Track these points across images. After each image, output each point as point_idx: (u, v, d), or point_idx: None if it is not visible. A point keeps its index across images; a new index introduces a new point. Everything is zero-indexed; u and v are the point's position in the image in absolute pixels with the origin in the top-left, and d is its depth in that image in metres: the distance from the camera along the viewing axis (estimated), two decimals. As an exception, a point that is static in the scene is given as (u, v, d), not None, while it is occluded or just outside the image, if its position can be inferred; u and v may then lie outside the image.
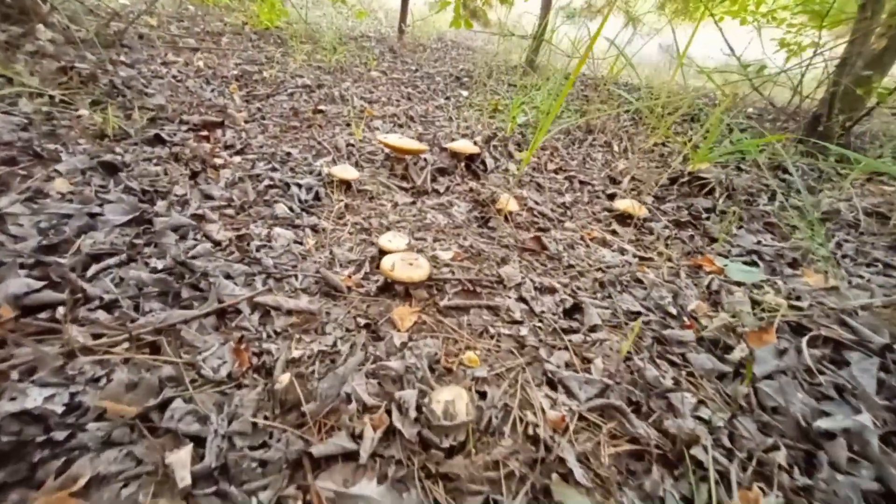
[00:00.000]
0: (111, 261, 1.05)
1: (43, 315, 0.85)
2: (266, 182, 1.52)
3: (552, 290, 1.16)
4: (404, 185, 1.71)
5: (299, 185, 1.51)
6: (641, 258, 1.44)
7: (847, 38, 2.91)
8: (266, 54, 3.56)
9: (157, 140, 1.73)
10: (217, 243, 1.19)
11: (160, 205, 1.31)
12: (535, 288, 1.16)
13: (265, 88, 2.64)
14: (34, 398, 0.67)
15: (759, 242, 1.71)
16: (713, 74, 4.01)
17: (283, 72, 3.01)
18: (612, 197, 1.93)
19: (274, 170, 1.65)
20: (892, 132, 3.95)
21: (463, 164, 1.92)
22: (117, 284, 0.98)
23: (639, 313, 1.11)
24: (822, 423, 0.83)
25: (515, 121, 2.59)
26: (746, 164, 2.58)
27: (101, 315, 0.88)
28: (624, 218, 1.73)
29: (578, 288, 1.20)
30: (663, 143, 2.77)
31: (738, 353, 1.04)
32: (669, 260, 1.48)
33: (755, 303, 1.26)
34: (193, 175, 1.51)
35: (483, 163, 1.94)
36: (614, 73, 3.24)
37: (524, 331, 0.99)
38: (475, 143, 2.00)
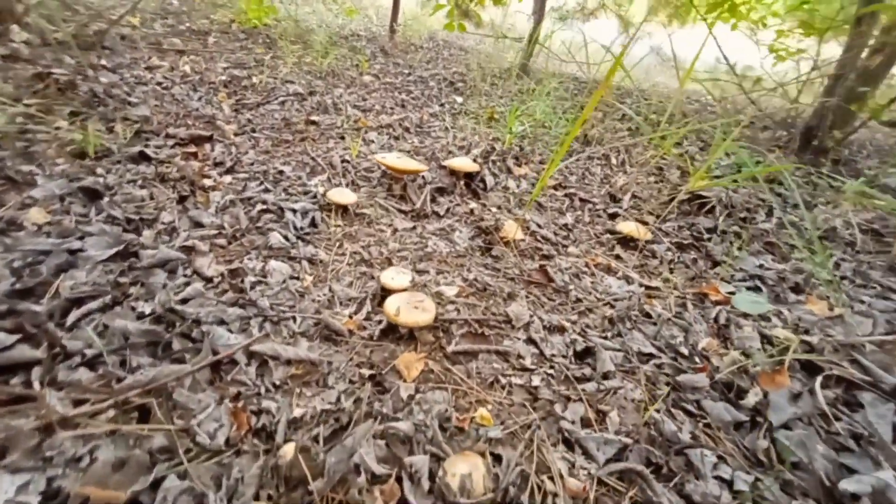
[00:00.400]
0: (93, 305, 0.98)
1: (16, 379, 0.78)
2: (259, 206, 1.45)
3: (561, 329, 1.12)
4: (403, 206, 1.65)
5: (294, 211, 1.44)
6: (648, 287, 1.40)
7: (841, 52, 2.92)
8: (255, 57, 3.45)
9: (142, 157, 1.64)
10: (208, 280, 1.13)
11: (146, 235, 1.23)
12: (544, 327, 1.12)
13: (255, 96, 2.54)
14: (6, 490, 0.61)
15: (761, 266, 1.69)
16: (709, 79, 4.01)
17: (273, 77, 2.92)
18: (613, 216, 1.90)
19: (266, 191, 1.58)
20: (878, 141, 4.00)
21: (462, 182, 1.86)
22: (101, 334, 0.91)
23: (651, 355, 1.08)
24: (849, 486, 0.81)
25: (513, 133, 2.54)
26: (744, 179, 2.57)
27: (83, 374, 0.81)
28: (627, 241, 1.69)
29: (587, 326, 1.16)
30: (661, 155, 2.75)
31: (752, 398, 1.02)
32: (675, 288, 1.46)
33: (765, 338, 1.24)
34: (181, 199, 1.43)
35: (483, 181, 1.89)
36: (611, 85, 3.20)
37: (536, 380, 0.95)
38: (474, 160, 1.95)
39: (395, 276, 1.13)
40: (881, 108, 2.51)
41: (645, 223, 1.88)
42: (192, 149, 1.79)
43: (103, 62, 2.55)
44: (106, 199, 1.35)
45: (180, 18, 4.53)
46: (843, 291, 1.64)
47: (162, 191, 1.45)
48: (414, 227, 1.51)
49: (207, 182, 1.55)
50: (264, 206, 1.46)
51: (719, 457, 0.85)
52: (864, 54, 2.61)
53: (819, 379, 1.09)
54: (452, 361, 0.99)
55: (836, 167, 3.01)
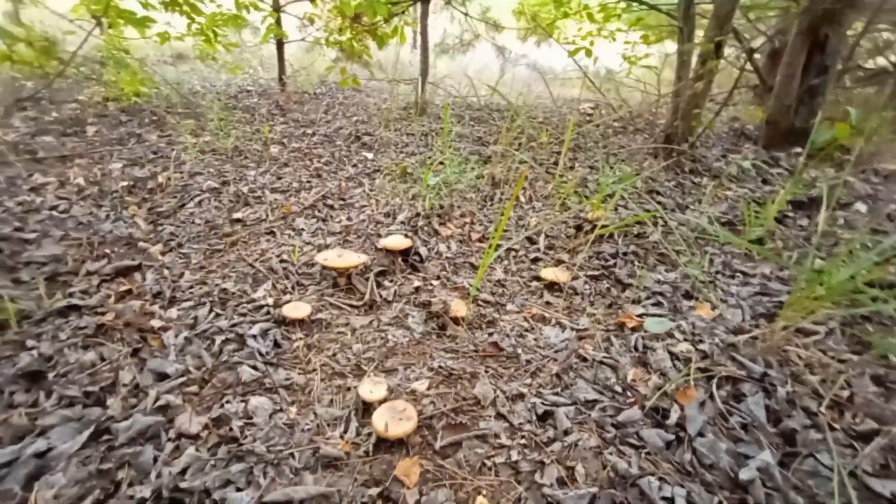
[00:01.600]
0: (87, 505, 0.99)
1: None
2: (218, 339, 1.49)
3: (521, 396, 1.33)
4: (353, 301, 1.77)
5: (254, 336, 1.50)
6: (578, 331, 1.67)
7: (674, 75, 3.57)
8: (149, 145, 3.30)
9: (71, 310, 1.58)
10: (195, 437, 1.17)
11: (113, 405, 1.23)
12: (507, 398, 1.32)
13: (167, 199, 2.47)
14: None
15: (658, 281, 2.06)
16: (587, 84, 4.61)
17: (178, 171, 2.84)
18: (535, 261, 2.18)
19: (218, 316, 1.61)
20: (717, 128, 4.76)
21: (400, 258, 2.03)
22: (109, 535, 0.93)
23: (595, 401, 1.33)
24: (744, 474, 1.10)
25: (429, 187, 2.74)
26: (629, 193, 3.03)
27: (112, 586, 0.85)
28: (552, 285, 1.97)
29: (541, 386, 1.38)
30: (560, 184, 3.14)
31: (674, 416, 1.30)
32: (599, 322, 1.75)
33: (673, 355, 1.56)
34: (135, 351, 1.42)
35: (418, 253, 2.07)
36: (507, 138, 3.54)
37: (514, 455, 1.15)
38: (406, 235, 2.12)
39: (372, 389, 1.26)
40: (712, 122, 3.15)
41: (562, 261, 2.19)
42: (123, 284, 1.75)
43: (-25, 192, 2.33)
44: (51, 376, 1.31)
45: (42, 107, 4.16)
46: (719, 287, 2.06)
47: (110, 347, 1.42)
48: (370, 323, 1.64)
49: (155, 322, 1.54)
50: (223, 337, 1.49)
51: (660, 479, 1.11)
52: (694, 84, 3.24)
53: (714, 382, 1.42)
54: (443, 456, 1.15)
55: (695, 165, 3.64)
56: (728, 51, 4.37)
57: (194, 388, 1.32)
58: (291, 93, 5.69)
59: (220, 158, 3.21)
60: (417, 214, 2.43)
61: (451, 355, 1.49)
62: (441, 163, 3.27)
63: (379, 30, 5.15)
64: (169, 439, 1.15)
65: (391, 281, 1.91)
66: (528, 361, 1.48)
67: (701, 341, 1.62)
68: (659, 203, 2.97)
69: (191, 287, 1.77)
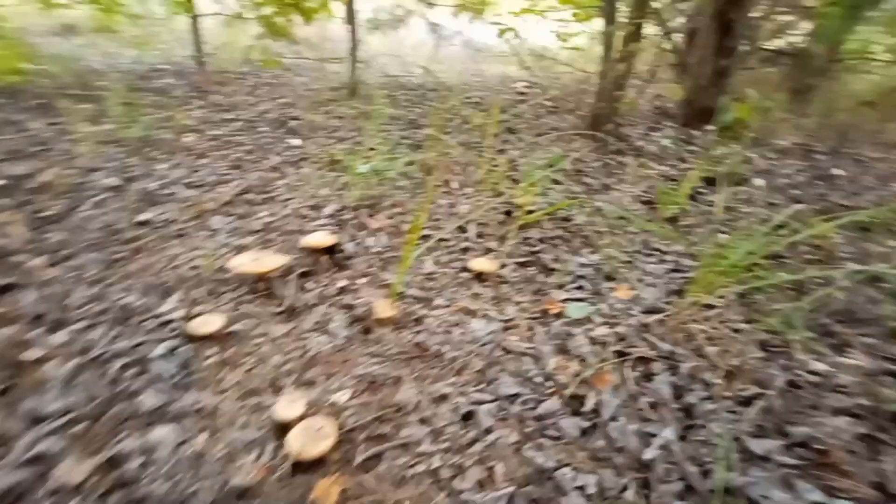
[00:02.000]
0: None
1: None
2: (115, 364, 1.35)
3: (445, 397, 1.33)
4: (272, 307, 1.67)
5: (158, 357, 1.38)
6: (504, 322, 1.69)
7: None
8: (32, 135, 2.90)
9: (-72, 345, 1.37)
10: (79, 487, 1.05)
11: (-26, 460, 1.08)
12: (431, 401, 1.31)
13: (56, 201, 2.19)
14: None
15: (582, 264, 2.13)
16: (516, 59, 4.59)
17: (71, 166, 2.51)
18: (465, 251, 2.17)
19: (117, 338, 1.46)
20: (643, 107, 4.91)
21: (325, 257, 1.94)
22: None
23: (517, 395, 1.35)
24: (647, 454, 1.17)
25: (358, 175, 2.63)
26: (559, 175, 3.07)
27: None
28: (481, 276, 1.97)
29: (465, 384, 1.39)
30: (491, 169, 3.13)
31: (591, 402, 1.36)
32: (524, 311, 1.78)
33: (592, 340, 1.62)
34: (4, 392, 1.25)
35: (343, 250, 1.99)
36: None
37: (436, 461, 1.14)
38: (330, 232, 2.02)
39: (287, 408, 1.20)
40: (634, 101, 3.26)
41: (491, 249, 2.20)
42: (-3, 308, 1.53)
43: None
44: None
45: None
46: (638, 267, 2.16)
47: (-24, 388, 1.25)
48: (290, 331, 1.56)
49: (33, 353, 1.36)
50: (121, 362, 1.36)
51: (575, 468, 1.15)
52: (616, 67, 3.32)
53: (628, 364, 1.50)
54: (364, 471, 1.13)
55: (620, 144, 3.77)
56: (652, 30, 4.50)
57: (82, 428, 1.18)
58: (211, 73, 5.22)
59: (125, 150, 2.89)
60: (344, 207, 2.33)
61: (376, 360, 1.46)
62: (372, 149, 3.14)
63: (304, 3, 4.79)
64: (46, 493, 1.03)
65: (315, 282, 1.82)
66: (454, 359, 1.48)
67: (618, 324, 1.69)
68: (585, 184, 3.05)
69: (84, 305, 1.58)
